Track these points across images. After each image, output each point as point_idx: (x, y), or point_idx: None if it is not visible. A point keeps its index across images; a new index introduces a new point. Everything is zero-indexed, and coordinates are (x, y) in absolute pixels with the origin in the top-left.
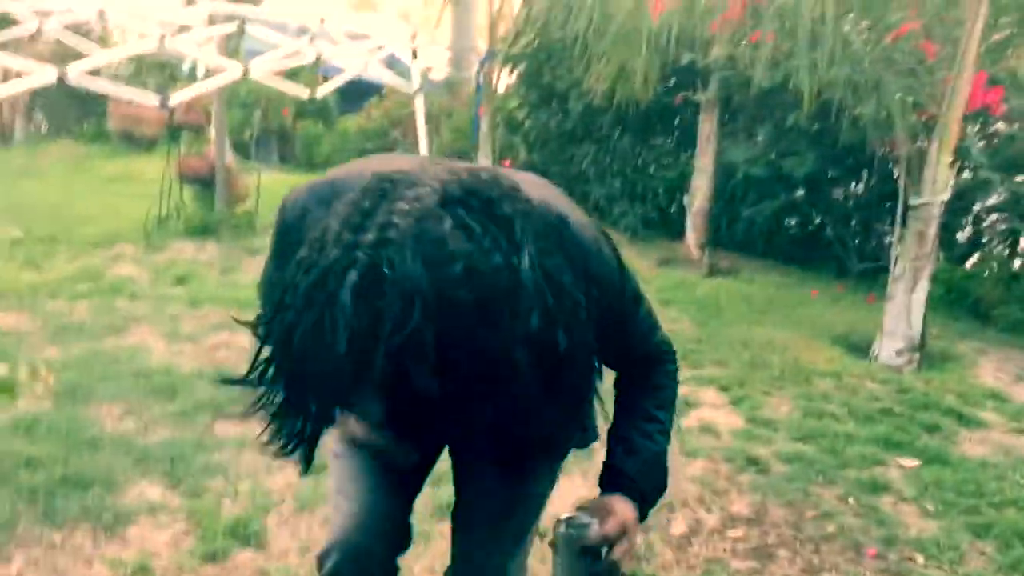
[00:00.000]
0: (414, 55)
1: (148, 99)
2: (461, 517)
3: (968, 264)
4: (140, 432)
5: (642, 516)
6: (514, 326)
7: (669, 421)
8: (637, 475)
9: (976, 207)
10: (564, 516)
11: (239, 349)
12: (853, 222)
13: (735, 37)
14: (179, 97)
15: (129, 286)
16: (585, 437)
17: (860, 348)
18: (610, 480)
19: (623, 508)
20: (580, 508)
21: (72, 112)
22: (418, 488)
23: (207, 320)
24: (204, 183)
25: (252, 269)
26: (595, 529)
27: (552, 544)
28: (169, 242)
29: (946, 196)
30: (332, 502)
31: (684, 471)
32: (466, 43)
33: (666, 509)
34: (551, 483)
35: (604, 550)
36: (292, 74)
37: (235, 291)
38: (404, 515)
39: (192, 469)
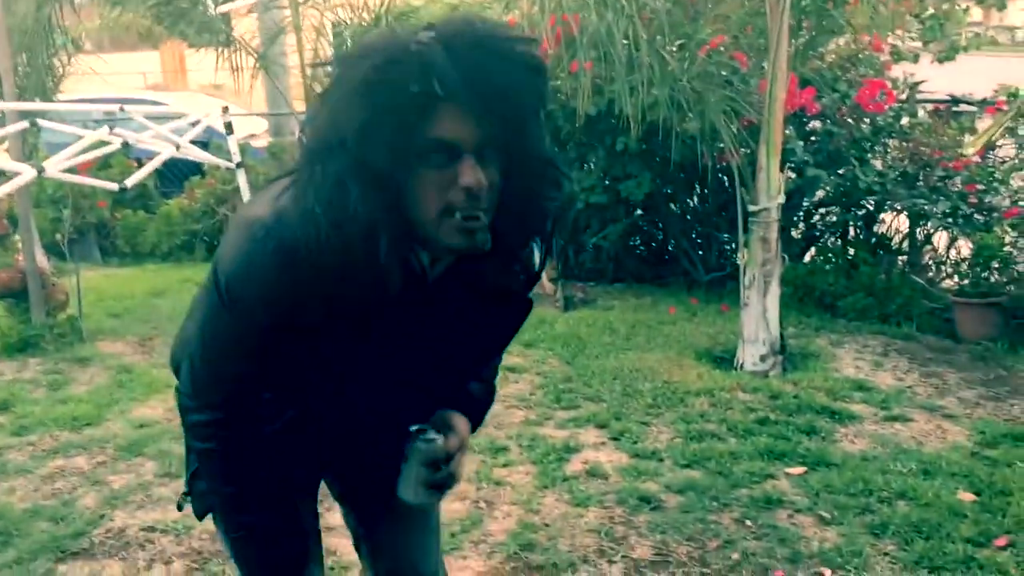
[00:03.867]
0: (228, 129)
1: None
2: (385, 540)
3: (807, 259)
4: None
5: (473, 429)
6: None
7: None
8: (478, 399)
9: (805, 203)
10: (415, 428)
11: (78, 475)
12: (695, 235)
13: (554, 69)
14: None
15: None
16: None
17: (725, 359)
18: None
19: (463, 426)
20: (429, 423)
21: None
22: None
23: (38, 448)
24: (16, 295)
25: (85, 380)
26: (442, 444)
27: (405, 452)
28: None
29: (781, 199)
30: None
31: (579, 523)
32: (283, 108)
33: (569, 570)
34: None
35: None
36: (104, 164)
37: (68, 408)
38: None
39: None
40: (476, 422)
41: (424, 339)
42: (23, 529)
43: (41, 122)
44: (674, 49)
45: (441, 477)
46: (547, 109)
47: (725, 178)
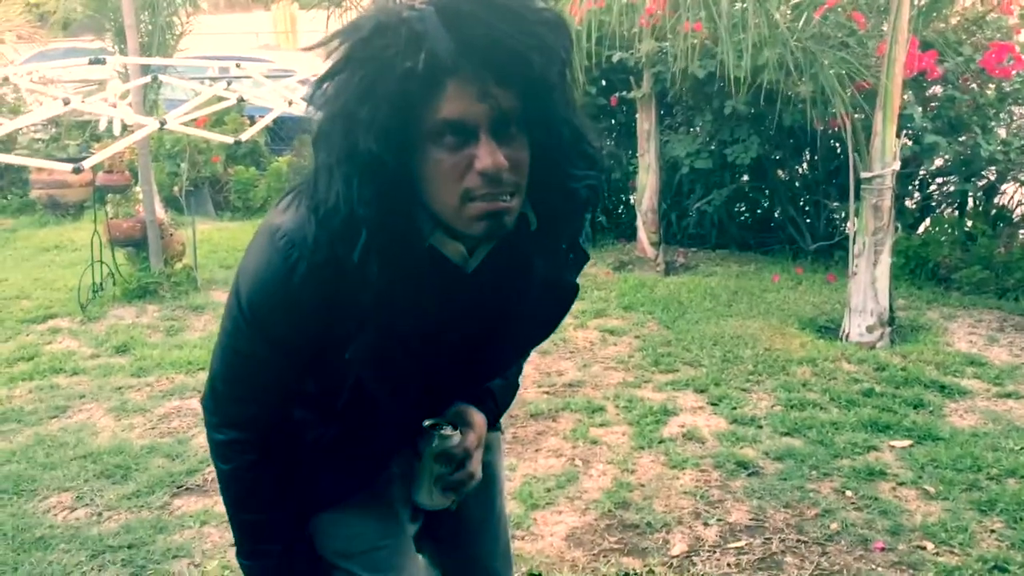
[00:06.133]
0: None
1: (60, 165)
2: (464, 543)
3: (920, 230)
4: (94, 521)
5: (491, 425)
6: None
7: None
8: (499, 394)
9: (922, 172)
10: (429, 423)
11: (193, 415)
12: (802, 202)
13: (662, 30)
14: (92, 160)
15: (69, 362)
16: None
17: (829, 329)
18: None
19: (480, 422)
20: (444, 417)
21: None
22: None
23: (156, 389)
24: (137, 244)
25: (199, 327)
26: (459, 440)
27: (418, 450)
28: (106, 310)
29: (897, 166)
30: None
31: (674, 485)
32: None
33: (663, 530)
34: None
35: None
36: (218, 120)
37: (183, 352)
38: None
39: (154, 555)
40: (493, 419)
41: (467, 332)
42: (141, 464)
43: (162, 77)
44: (788, 10)
45: (459, 477)
46: (571, 73)
47: (837, 144)
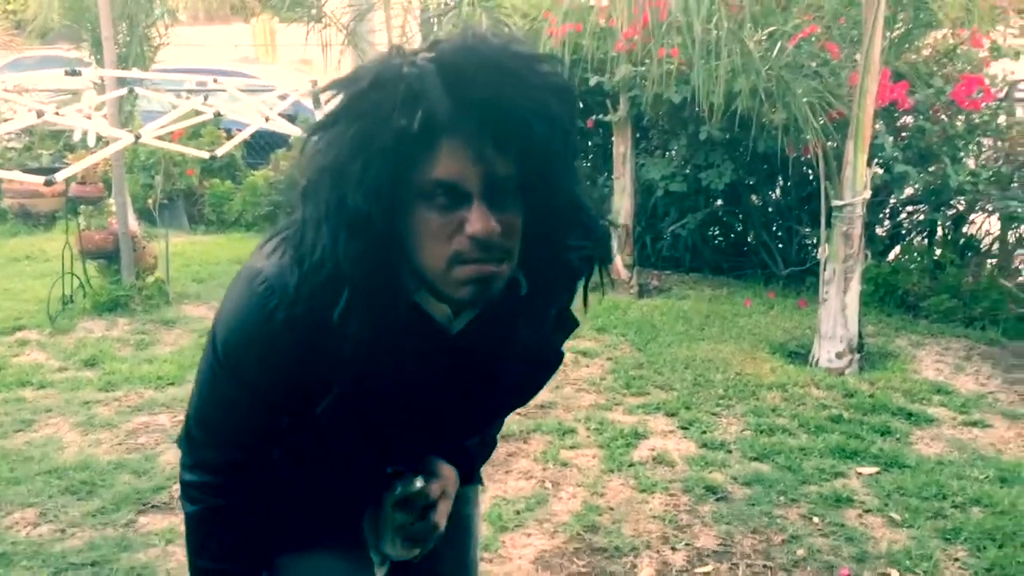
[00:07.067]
0: (316, 102)
1: (32, 178)
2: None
3: (890, 257)
4: (57, 538)
5: (469, 480)
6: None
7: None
8: (473, 452)
9: (892, 200)
10: (392, 471)
11: (160, 432)
12: (775, 228)
13: (639, 55)
14: (65, 173)
15: (36, 375)
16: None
17: (800, 355)
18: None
19: (449, 474)
20: (411, 470)
21: None
22: None
23: (124, 403)
24: (108, 256)
25: (169, 341)
26: (420, 488)
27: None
28: (76, 322)
29: (867, 195)
30: None
31: (643, 509)
32: None
33: (631, 554)
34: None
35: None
36: (195, 134)
37: (153, 367)
38: None
39: (118, 573)
40: (466, 473)
41: (445, 393)
42: (107, 480)
43: (138, 90)
44: (763, 38)
45: (420, 528)
46: (574, 141)
47: (809, 171)
